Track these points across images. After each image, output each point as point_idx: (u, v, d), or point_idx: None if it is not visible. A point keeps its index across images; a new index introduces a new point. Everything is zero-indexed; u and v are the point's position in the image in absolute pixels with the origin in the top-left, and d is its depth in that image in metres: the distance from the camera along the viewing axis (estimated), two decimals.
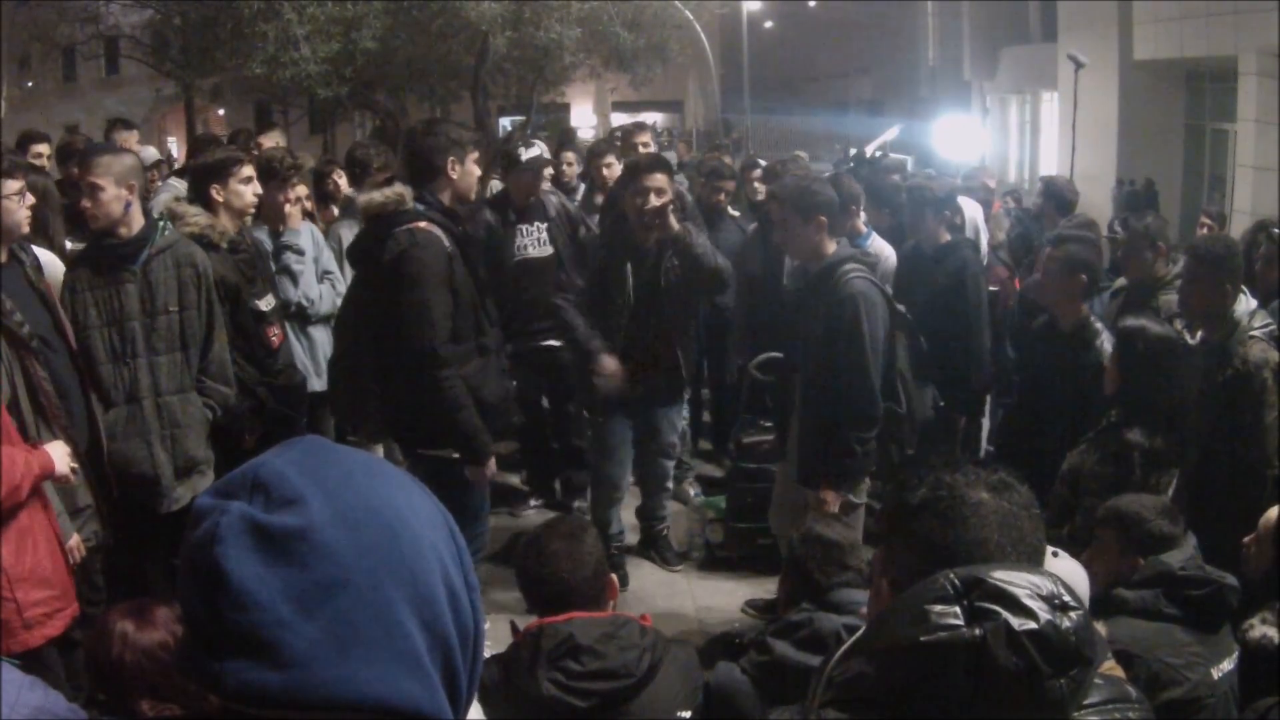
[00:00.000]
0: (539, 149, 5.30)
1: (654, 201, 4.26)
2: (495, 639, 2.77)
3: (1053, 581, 1.17)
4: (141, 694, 2.00)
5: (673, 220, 4.30)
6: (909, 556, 1.35)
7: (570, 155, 6.54)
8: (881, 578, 1.41)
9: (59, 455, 2.83)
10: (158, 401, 3.45)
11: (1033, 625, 1.12)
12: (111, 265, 3.41)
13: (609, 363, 4.38)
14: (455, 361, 3.50)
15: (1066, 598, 1.16)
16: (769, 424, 5.27)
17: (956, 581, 1.17)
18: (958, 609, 1.15)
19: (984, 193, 6.88)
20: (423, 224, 3.48)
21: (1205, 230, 7.05)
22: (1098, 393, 3.58)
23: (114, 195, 3.37)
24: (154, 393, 3.45)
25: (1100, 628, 2.33)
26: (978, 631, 1.13)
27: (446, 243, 3.49)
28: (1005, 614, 1.13)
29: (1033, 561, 1.28)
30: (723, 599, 4.75)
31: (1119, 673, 2.23)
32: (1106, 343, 3.74)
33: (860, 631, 1.41)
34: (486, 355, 3.64)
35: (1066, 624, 1.14)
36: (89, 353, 3.34)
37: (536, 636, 2.20)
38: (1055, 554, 2.32)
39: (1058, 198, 6.10)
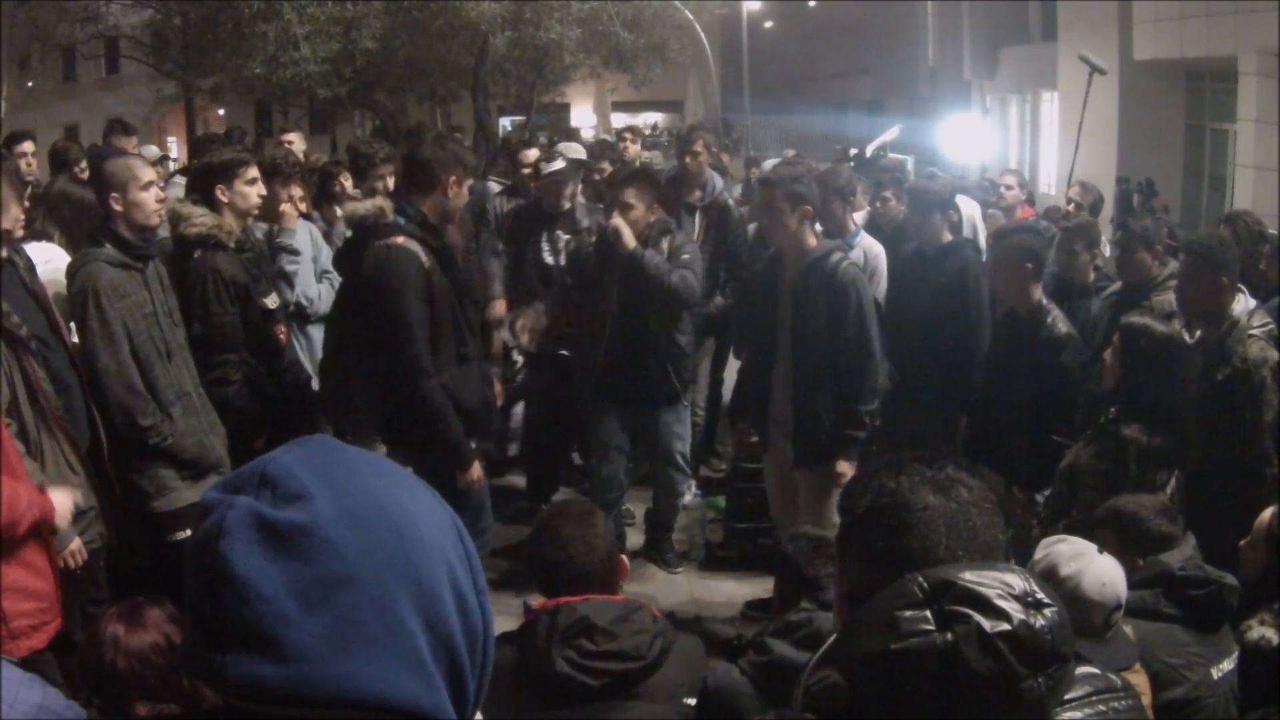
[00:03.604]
0: (562, 162, 5.38)
1: (614, 218, 4.39)
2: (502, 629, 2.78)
3: (1024, 578, 1.15)
4: (136, 697, 1.98)
5: (626, 239, 4.37)
6: (859, 568, 1.31)
7: (529, 154, 6.41)
8: (840, 590, 1.37)
9: (62, 508, 2.82)
10: (197, 393, 3.58)
11: (1006, 626, 1.10)
12: (135, 267, 3.44)
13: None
14: (435, 372, 3.54)
15: (1040, 594, 1.14)
16: None
17: (925, 585, 1.14)
18: (928, 613, 1.12)
19: (1005, 195, 6.84)
20: (399, 239, 3.50)
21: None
22: (1054, 371, 3.85)
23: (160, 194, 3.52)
24: (195, 386, 3.57)
25: (1129, 631, 2.34)
26: (949, 636, 1.10)
27: (423, 256, 3.52)
28: (977, 616, 1.10)
29: (987, 558, 1.23)
30: (723, 599, 4.76)
31: (1143, 677, 2.24)
32: (1059, 322, 3.94)
33: (832, 640, 1.36)
34: (467, 364, 3.67)
35: (1040, 622, 1.12)
36: (145, 360, 3.37)
37: (553, 614, 2.21)
38: (1101, 552, 2.34)
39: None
